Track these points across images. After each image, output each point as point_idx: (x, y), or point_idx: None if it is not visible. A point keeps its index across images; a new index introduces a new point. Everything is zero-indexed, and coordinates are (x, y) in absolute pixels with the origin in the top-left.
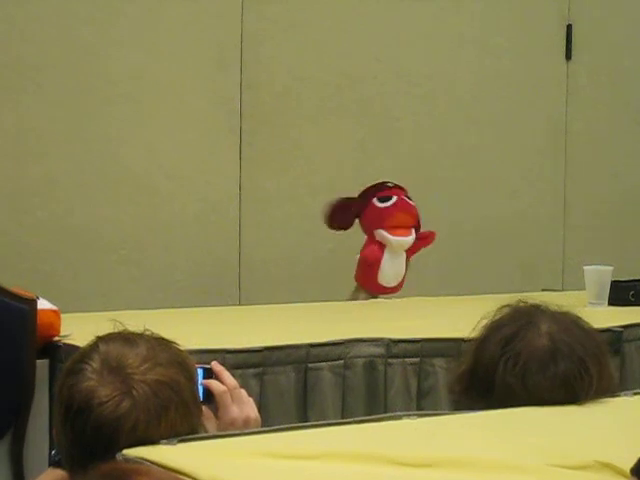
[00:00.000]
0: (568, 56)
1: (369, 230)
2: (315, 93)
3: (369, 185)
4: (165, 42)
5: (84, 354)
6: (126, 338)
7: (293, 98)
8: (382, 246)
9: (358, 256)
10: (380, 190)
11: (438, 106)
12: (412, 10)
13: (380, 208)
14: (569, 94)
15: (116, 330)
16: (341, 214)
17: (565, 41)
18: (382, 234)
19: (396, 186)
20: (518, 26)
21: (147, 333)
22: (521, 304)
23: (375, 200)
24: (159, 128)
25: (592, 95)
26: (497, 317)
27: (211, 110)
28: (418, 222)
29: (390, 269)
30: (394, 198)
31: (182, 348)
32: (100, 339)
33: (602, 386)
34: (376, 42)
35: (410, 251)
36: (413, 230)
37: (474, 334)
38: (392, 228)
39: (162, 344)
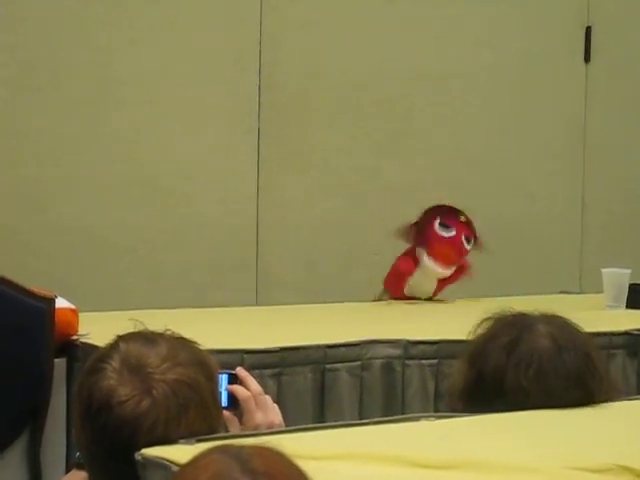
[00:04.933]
0: (587, 58)
1: (415, 243)
2: (333, 94)
3: (438, 205)
4: (183, 43)
5: (104, 353)
6: (146, 337)
7: (311, 99)
8: (417, 262)
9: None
10: (445, 213)
11: (456, 107)
12: (430, 12)
13: (437, 234)
14: (588, 96)
15: (136, 329)
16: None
17: (584, 43)
18: (423, 254)
19: (463, 217)
20: (537, 28)
21: (167, 333)
22: (504, 314)
23: (437, 222)
24: (177, 129)
25: (611, 97)
26: (483, 330)
27: (229, 111)
28: (463, 261)
29: (419, 286)
30: (454, 232)
31: (202, 347)
32: (120, 338)
33: (611, 382)
34: (395, 44)
35: (443, 282)
36: (454, 267)
37: (466, 348)
38: (436, 256)
39: (182, 344)
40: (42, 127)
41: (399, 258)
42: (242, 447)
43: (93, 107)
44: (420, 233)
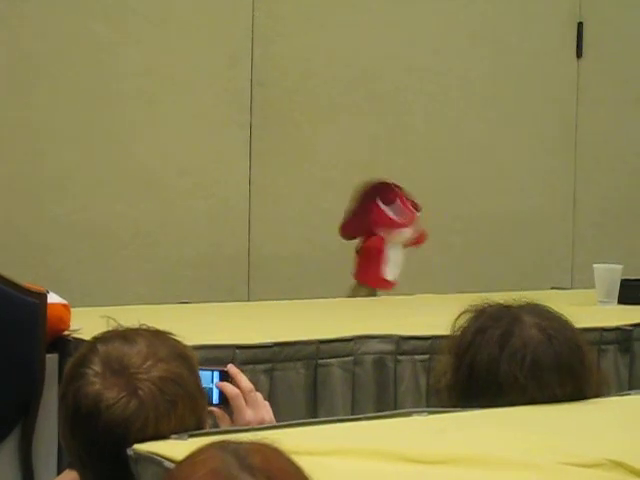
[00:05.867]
0: (579, 54)
1: (371, 228)
2: (326, 90)
3: (369, 185)
4: (177, 39)
5: (84, 357)
6: (123, 336)
7: (303, 95)
8: (383, 239)
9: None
10: (383, 192)
11: (450, 103)
12: (424, 7)
13: (385, 212)
14: (579, 92)
15: (110, 327)
16: (353, 226)
17: (576, 39)
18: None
19: (396, 186)
20: (529, 24)
21: (143, 327)
22: (484, 306)
23: (379, 202)
24: (170, 124)
25: (602, 93)
26: (464, 323)
27: (222, 107)
28: (420, 229)
29: (393, 261)
30: (397, 201)
31: (179, 338)
32: (97, 340)
33: (599, 373)
34: (388, 39)
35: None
36: (413, 227)
37: (446, 346)
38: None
39: (159, 338)
40: (39, 121)
41: (365, 243)
42: (240, 443)
43: (88, 102)
44: (369, 220)
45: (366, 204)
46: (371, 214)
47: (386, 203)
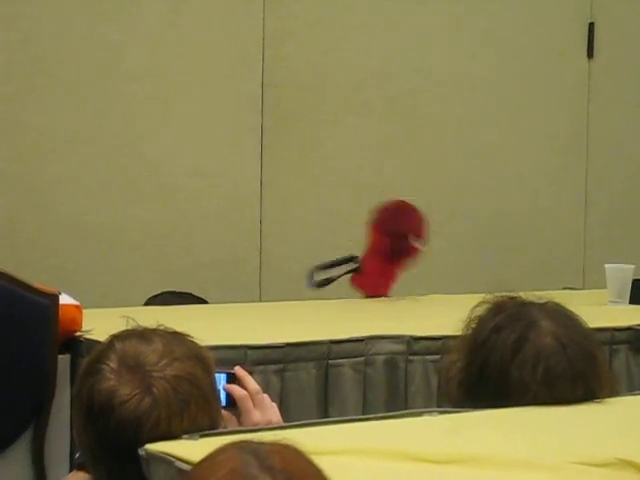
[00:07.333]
0: (590, 54)
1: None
2: (337, 91)
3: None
4: (188, 40)
5: (101, 354)
6: (141, 335)
7: (315, 96)
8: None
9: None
10: (418, 228)
11: (460, 104)
12: (434, 8)
13: (417, 249)
14: (591, 92)
15: (129, 327)
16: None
17: (587, 39)
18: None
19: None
20: (540, 25)
21: (161, 328)
22: (503, 300)
23: (412, 238)
24: (181, 126)
25: (614, 93)
26: (482, 315)
27: (233, 108)
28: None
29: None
30: (423, 229)
31: (196, 340)
32: (115, 337)
33: (611, 380)
34: (399, 40)
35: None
36: None
37: (462, 334)
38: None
39: (177, 338)
40: (49, 123)
41: (385, 264)
42: (260, 444)
43: (99, 103)
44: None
45: (397, 237)
46: (403, 251)
47: (418, 236)
